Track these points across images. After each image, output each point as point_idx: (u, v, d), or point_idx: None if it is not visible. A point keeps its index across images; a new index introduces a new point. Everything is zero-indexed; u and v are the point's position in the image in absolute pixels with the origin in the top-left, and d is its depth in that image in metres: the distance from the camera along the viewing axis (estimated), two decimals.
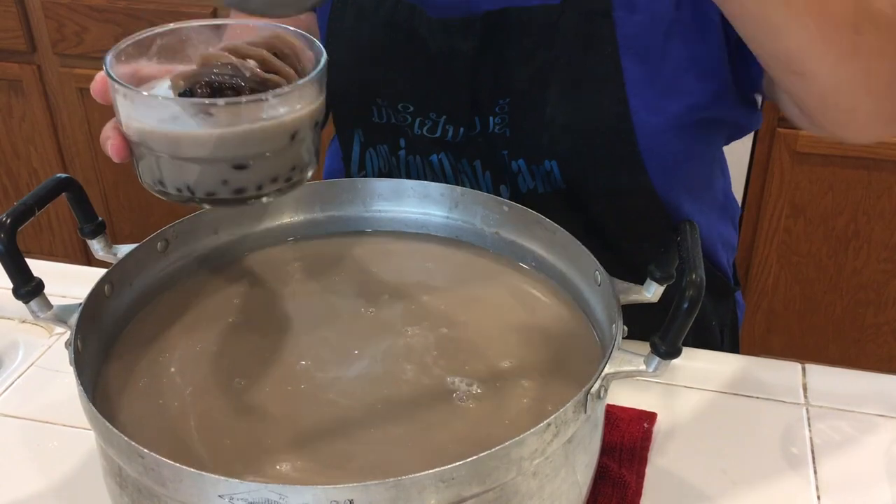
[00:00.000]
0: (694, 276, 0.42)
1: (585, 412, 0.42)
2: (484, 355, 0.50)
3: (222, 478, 0.37)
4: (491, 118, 0.64)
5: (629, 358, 0.44)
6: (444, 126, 0.66)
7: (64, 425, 0.61)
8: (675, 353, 0.43)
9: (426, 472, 0.37)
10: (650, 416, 0.62)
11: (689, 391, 0.65)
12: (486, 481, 0.39)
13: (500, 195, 0.65)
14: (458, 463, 0.38)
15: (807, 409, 0.63)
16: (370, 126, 0.69)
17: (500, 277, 0.57)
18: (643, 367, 0.44)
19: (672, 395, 0.65)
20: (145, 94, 0.45)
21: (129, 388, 0.49)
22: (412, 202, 0.60)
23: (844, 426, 0.62)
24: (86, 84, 1.73)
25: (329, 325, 0.53)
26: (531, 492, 0.42)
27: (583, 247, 0.53)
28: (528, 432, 0.39)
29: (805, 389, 0.65)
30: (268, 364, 0.49)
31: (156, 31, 0.49)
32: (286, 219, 0.60)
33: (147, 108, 0.44)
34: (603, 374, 0.43)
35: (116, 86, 0.44)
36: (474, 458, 0.38)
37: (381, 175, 0.71)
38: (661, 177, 0.65)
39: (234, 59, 0.46)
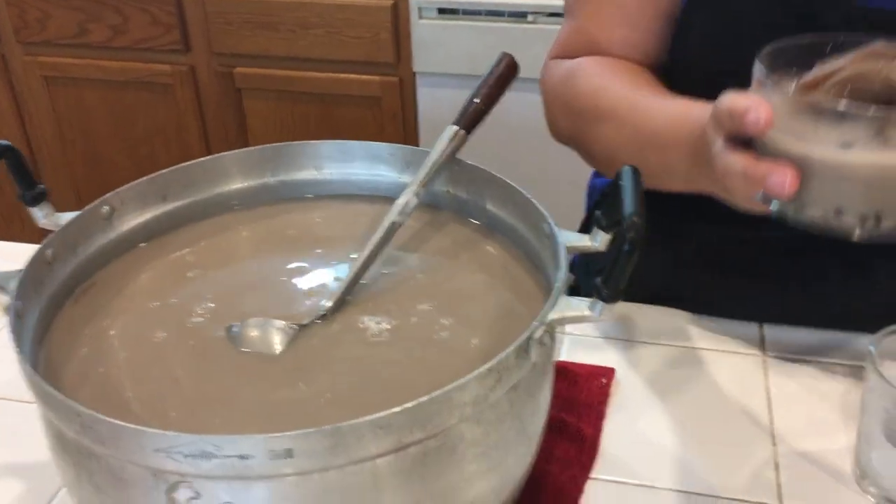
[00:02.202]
0: (635, 219, 0.42)
1: (529, 358, 0.42)
2: (410, 300, 0.50)
3: (158, 431, 0.37)
4: None
5: (574, 303, 0.44)
6: None
7: (16, 400, 0.60)
8: (617, 297, 0.43)
9: (364, 418, 0.37)
10: (608, 372, 0.62)
11: (646, 346, 0.65)
12: (426, 427, 0.39)
13: None
14: (395, 409, 0.37)
15: (764, 361, 0.64)
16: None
17: (447, 233, 0.57)
18: (587, 313, 0.44)
19: (630, 350, 0.65)
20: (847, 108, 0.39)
21: (72, 356, 0.48)
22: (363, 164, 0.60)
23: (801, 375, 0.62)
24: (51, 72, 1.71)
25: (273, 289, 0.52)
26: (477, 439, 0.42)
27: (532, 200, 0.52)
28: (469, 377, 0.39)
29: (762, 341, 0.65)
30: (211, 329, 0.49)
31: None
32: (236, 185, 0.59)
33: (839, 126, 0.39)
34: (547, 319, 0.43)
35: (804, 100, 0.40)
36: (412, 403, 0.38)
37: None
38: None
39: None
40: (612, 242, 0.48)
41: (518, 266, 0.54)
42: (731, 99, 0.45)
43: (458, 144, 0.56)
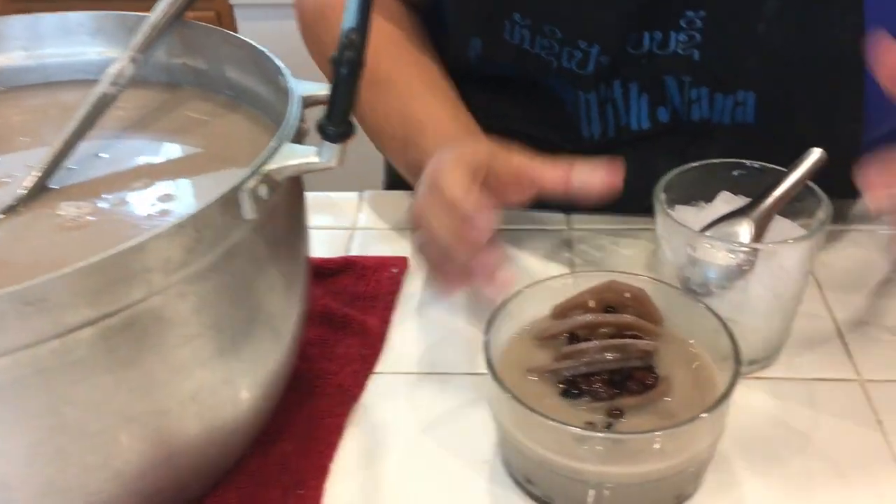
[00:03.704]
0: (352, 35, 0.35)
1: (242, 215, 0.35)
2: (123, 182, 0.42)
3: None
4: (673, 34, 0.52)
5: (299, 151, 0.37)
6: (596, 58, 0.53)
7: None
8: (346, 134, 0.36)
9: None
10: (400, 261, 0.56)
11: None
12: (100, 303, 0.31)
13: (657, 119, 0.55)
14: (43, 277, 0.29)
15: (569, 235, 0.59)
16: (495, 41, 0.55)
17: (185, 110, 0.48)
18: (314, 159, 0.36)
19: None
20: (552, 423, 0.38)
21: None
22: (82, 41, 0.50)
23: (606, 243, 0.58)
24: None
25: None
26: (184, 318, 0.34)
27: (266, 52, 0.44)
28: (147, 235, 0.31)
29: (568, 221, 0.60)
30: None
31: None
32: None
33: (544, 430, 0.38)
34: (263, 169, 0.35)
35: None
36: (69, 269, 0.29)
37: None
38: (873, 131, 0.54)
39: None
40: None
41: (264, 135, 0.46)
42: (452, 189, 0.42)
43: (184, 2, 0.48)
